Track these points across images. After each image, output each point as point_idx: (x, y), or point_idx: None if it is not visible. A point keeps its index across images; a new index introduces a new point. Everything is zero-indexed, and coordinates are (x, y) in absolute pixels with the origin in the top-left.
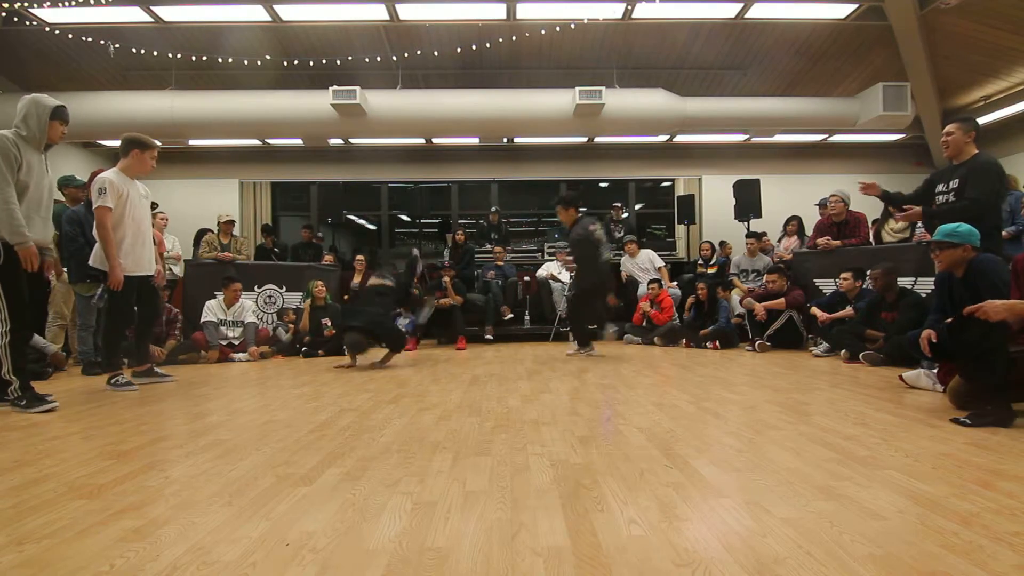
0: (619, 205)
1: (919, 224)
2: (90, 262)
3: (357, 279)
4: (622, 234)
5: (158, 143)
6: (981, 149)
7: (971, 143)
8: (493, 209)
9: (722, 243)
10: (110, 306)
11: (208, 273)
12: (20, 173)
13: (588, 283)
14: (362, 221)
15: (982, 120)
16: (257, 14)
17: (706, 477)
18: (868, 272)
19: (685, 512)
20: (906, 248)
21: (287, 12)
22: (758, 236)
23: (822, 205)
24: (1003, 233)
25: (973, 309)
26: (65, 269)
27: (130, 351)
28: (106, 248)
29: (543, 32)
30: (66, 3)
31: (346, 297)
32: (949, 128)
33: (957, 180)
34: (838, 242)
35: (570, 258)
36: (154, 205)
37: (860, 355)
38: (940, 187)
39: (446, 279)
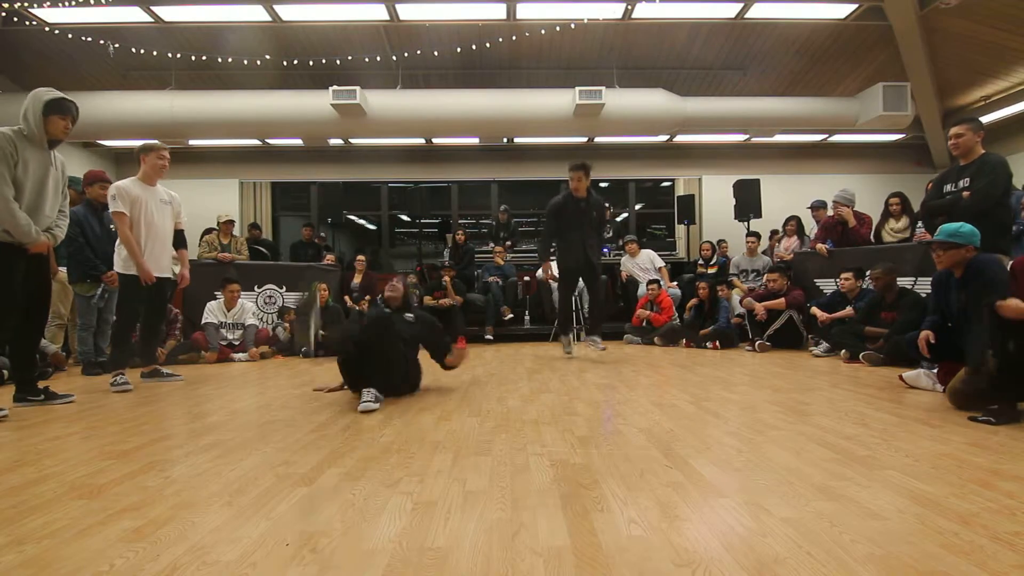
0: (607, 206)
1: (919, 224)
2: (115, 268)
3: (358, 279)
4: (610, 234)
5: (159, 143)
6: (988, 149)
7: (979, 143)
8: (502, 208)
9: (720, 241)
10: (119, 305)
11: (208, 273)
12: (16, 171)
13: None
14: (362, 221)
15: (982, 120)
16: (257, 14)
17: (706, 477)
18: (868, 272)
19: (685, 512)
20: (906, 248)
21: (287, 12)
22: (757, 235)
23: (815, 207)
24: None
25: (1001, 306)
26: (64, 269)
27: (137, 351)
28: (128, 249)
29: (543, 32)
30: (66, 3)
31: (348, 301)
32: (958, 129)
33: (967, 179)
34: (830, 247)
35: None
36: None
37: (860, 355)
38: (948, 187)
39: (446, 279)
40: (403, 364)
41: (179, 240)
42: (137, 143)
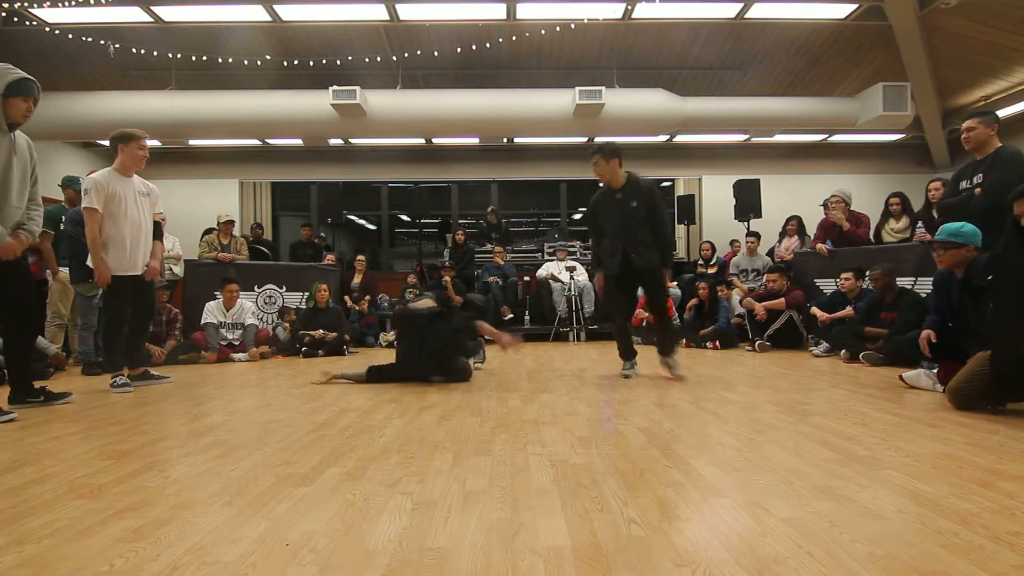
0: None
1: (919, 224)
2: (88, 262)
3: (357, 279)
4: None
5: (141, 132)
6: (1005, 143)
7: (995, 136)
8: (490, 208)
9: (733, 241)
10: (104, 307)
11: (208, 273)
12: None
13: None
14: (362, 221)
15: None
16: (257, 14)
17: (706, 477)
18: (867, 273)
19: (685, 512)
20: (906, 248)
21: (287, 12)
22: (757, 235)
23: (826, 205)
24: None
25: None
26: (67, 268)
27: (125, 352)
28: (92, 248)
29: (543, 32)
30: (66, 3)
31: (353, 301)
32: (970, 123)
33: (981, 174)
34: (828, 247)
35: None
36: None
37: (860, 355)
38: (964, 183)
39: (446, 279)
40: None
41: (156, 231)
42: None
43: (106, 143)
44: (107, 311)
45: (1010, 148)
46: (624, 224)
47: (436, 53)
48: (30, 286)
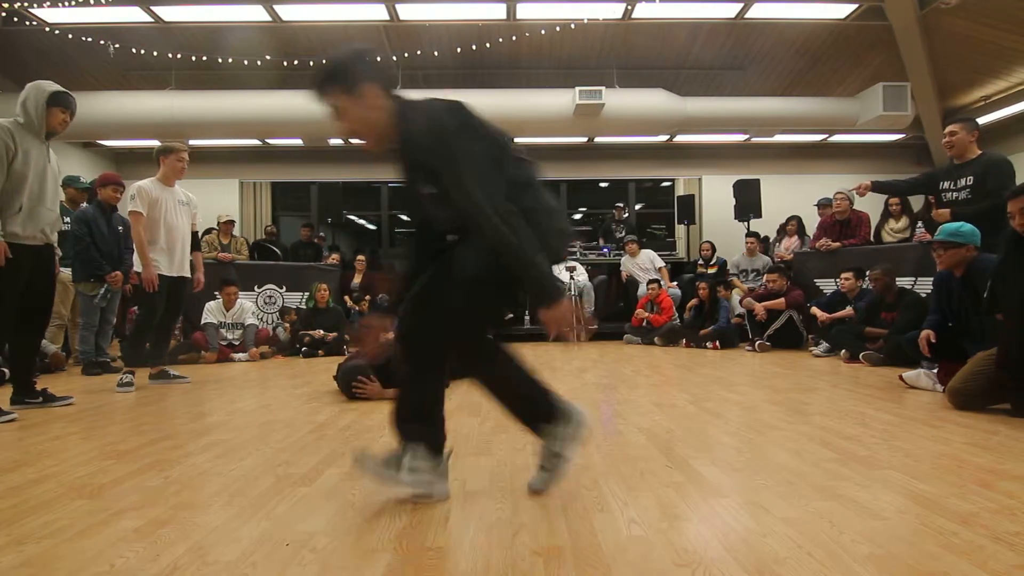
0: (621, 205)
1: (919, 224)
2: (134, 268)
3: (357, 279)
4: (623, 234)
5: (178, 144)
6: (984, 149)
7: (974, 143)
8: None
9: (765, 237)
10: (140, 304)
11: (208, 273)
12: (16, 163)
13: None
14: (362, 221)
15: (982, 120)
16: (257, 14)
17: (706, 477)
18: (867, 273)
19: (685, 512)
20: (906, 248)
21: (287, 12)
22: (757, 235)
23: (821, 205)
24: None
25: None
26: (67, 269)
27: (147, 352)
28: (139, 250)
29: (543, 32)
30: (66, 3)
31: (348, 298)
32: (952, 128)
33: (971, 178)
34: (837, 244)
35: None
36: None
37: (860, 355)
38: (946, 185)
39: None
40: None
41: (193, 242)
42: (137, 143)
43: (106, 143)
44: (143, 308)
45: (997, 154)
46: (413, 204)
47: (436, 53)
48: (53, 292)
